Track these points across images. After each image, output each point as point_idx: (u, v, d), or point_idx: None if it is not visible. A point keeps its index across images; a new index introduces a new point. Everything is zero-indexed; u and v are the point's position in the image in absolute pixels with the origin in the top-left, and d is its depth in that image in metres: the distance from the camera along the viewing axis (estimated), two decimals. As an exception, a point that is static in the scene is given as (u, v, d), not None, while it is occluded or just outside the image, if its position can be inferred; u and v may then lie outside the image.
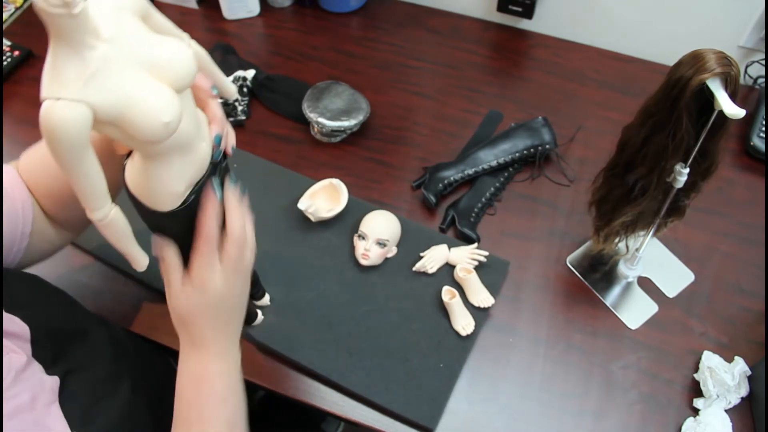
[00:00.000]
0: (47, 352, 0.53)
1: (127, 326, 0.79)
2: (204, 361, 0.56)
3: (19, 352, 0.50)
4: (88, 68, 0.37)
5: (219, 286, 0.54)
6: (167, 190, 0.48)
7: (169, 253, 0.53)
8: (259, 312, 0.77)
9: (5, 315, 0.51)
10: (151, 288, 0.81)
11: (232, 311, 0.58)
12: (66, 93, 0.36)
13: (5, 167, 0.62)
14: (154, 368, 0.73)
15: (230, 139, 0.55)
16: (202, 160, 0.50)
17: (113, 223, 0.45)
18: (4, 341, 0.50)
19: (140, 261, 0.49)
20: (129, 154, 0.49)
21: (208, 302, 0.54)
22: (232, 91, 0.56)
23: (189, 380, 0.56)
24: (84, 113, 0.37)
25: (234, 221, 0.54)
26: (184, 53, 0.43)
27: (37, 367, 0.51)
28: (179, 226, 0.52)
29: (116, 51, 0.39)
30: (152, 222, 0.51)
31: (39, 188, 0.63)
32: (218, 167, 0.53)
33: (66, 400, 0.51)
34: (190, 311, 0.55)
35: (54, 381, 0.52)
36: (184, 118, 0.44)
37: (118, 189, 0.50)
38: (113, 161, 0.49)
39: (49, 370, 0.53)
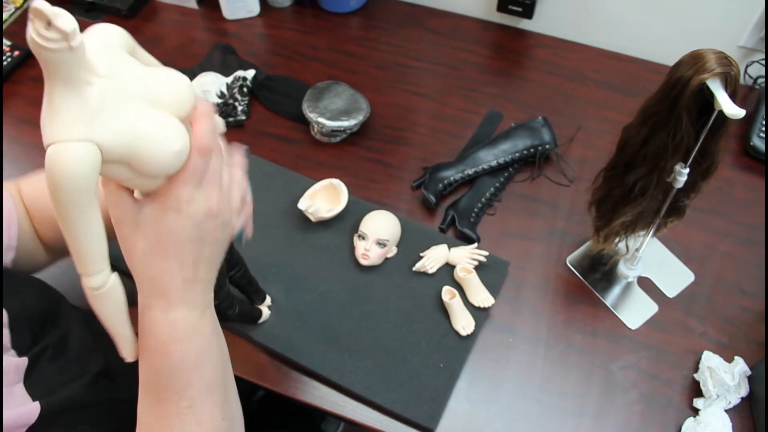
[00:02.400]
0: (24, 336, 0.54)
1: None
2: (172, 316, 0.46)
3: None
4: (90, 105, 0.35)
5: (200, 208, 0.44)
6: None
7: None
8: (265, 309, 0.77)
9: None
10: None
11: (212, 244, 0.47)
12: (71, 134, 0.35)
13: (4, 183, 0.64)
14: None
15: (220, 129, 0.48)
16: None
17: (111, 293, 0.41)
18: None
19: (131, 346, 0.45)
20: None
21: (186, 226, 0.44)
22: (219, 124, 0.52)
23: (154, 341, 0.46)
24: (93, 153, 0.35)
25: (201, 126, 0.43)
26: (181, 81, 0.42)
27: (4, 351, 0.52)
28: None
29: (114, 85, 0.37)
30: None
31: (36, 212, 0.65)
32: None
33: (32, 378, 0.52)
34: (160, 239, 0.43)
35: (22, 361, 0.52)
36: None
37: None
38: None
39: (23, 353, 0.53)
